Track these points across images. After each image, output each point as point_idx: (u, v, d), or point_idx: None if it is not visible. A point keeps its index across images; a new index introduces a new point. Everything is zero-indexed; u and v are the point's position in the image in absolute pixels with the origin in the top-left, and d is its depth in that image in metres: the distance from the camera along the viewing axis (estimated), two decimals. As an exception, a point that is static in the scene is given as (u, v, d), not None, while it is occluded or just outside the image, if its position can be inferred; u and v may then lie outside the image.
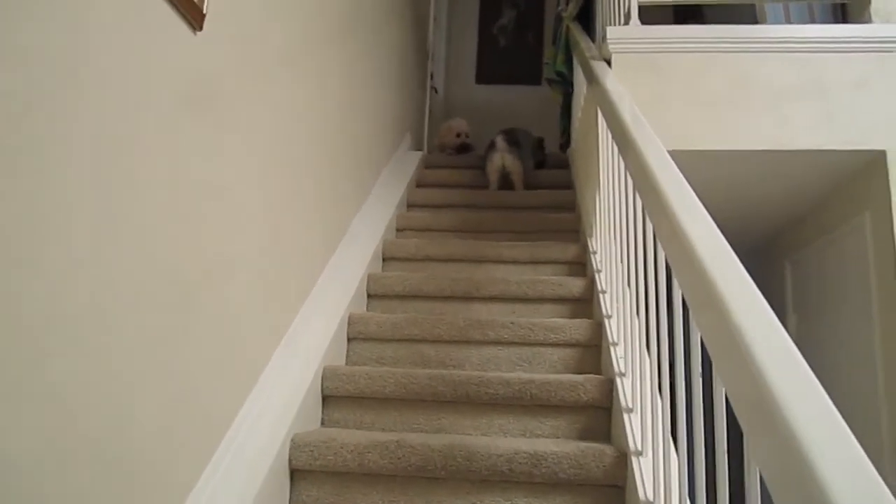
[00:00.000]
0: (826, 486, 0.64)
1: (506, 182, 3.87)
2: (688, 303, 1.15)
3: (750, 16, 3.07)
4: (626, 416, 1.82)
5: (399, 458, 1.79)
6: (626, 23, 2.82)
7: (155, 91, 1.28)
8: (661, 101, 2.68)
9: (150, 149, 1.27)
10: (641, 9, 2.81)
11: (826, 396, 0.78)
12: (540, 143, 4.33)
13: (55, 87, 1.00)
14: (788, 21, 2.92)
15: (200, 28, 1.43)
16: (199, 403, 1.49)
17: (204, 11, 1.43)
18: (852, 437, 0.71)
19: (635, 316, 1.87)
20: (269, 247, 1.89)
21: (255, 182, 1.79)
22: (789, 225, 3.56)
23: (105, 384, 1.14)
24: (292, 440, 1.83)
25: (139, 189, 1.23)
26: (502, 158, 3.81)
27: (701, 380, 1.21)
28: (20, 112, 0.94)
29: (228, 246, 1.62)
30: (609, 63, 2.75)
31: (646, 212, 1.60)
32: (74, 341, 1.06)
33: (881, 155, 2.56)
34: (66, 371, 1.04)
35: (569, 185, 3.96)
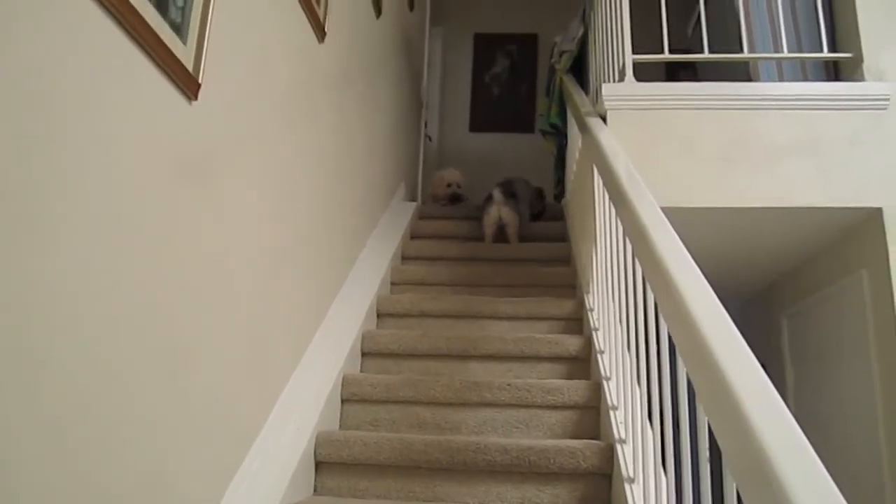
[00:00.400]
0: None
1: (501, 234, 3.86)
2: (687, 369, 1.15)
3: (743, 72, 3.10)
4: (627, 487, 1.77)
5: (395, 532, 1.73)
6: (621, 79, 2.84)
7: (151, 162, 1.25)
8: (657, 157, 2.69)
9: (145, 220, 1.24)
10: (636, 65, 2.83)
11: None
12: (539, 193, 4.33)
13: (48, 160, 0.98)
14: (781, 78, 2.94)
15: (196, 97, 1.42)
16: (183, 479, 1.44)
17: (199, 81, 1.41)
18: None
19: (635, 381, 1.84)
20: (261, 313, 1.86)
21: (248, 248, 1.76)
22: (785, 279, 3.55)
23: (79, 465, 1.10)
24: (284, 512, 1.77)
25: (130, 260, 1.20)
26: (499, 211, 3.80)
27: (708, 451, 1.18)
28: (9, 189, 0.91)
29: (220, 312, 1.58)
30: (604, 119, 2.76)
31: (644, 277, 1.57)
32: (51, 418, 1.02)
33: (877, 212, 2.56)
34: (39, 448, 1.00)
35: (563, 238, 3.94)
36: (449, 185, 4.64)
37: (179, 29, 1.34)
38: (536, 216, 4.23)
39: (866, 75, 2.69)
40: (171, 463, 1.37)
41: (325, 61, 2.44)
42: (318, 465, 2.09)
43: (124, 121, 1.17)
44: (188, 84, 1.38)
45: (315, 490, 2.08)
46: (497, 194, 3.83)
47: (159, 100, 1.29)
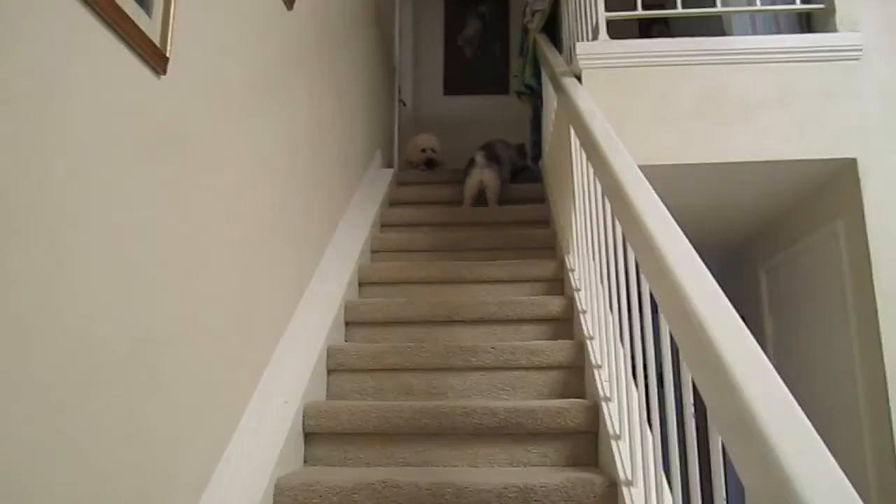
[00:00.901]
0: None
1: (480, 198, 3.86)
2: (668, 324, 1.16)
3: (717, 27, 3.08)
4: (614, 444, 1.79)
5: (386, 499, 1.74)
6: (595, 37, 2.82)
7: (120, 139, 1.23)
8: (632, 115, 2.69)
9: (116, 199, 1.22)
10: (609, 23, 2.81)
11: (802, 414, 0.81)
12: (521, 148, 4.34)
13: (8, 143, 0.95)
14: (755, 32, 2.94)
15: (164, 72, 1.38)
16: (176, 458, 1.44)
17: (167, 55, 1.38)
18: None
19: (619, 340, 1.85)
20: (241, 288, 1.85)
21: (224, 225, 1.74)
22: (763, 232, 3.59)
23: (75, 440, 1.09)
24: (276, 485, 1.78)
25: (102, 242, 1.18)
26: (481, 174, 3.81)
27: (693, 407, 1.20)
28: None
29: (198, 292, 1.57)
30: (579, 78, 2.75)
31: (624, 235, 1.58)
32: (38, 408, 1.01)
33: (852, 163, 2.58)
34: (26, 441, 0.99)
35: (542, 199, 3.95)
36: (423, 151, 4.61)
37: (143, 1, 1.30)
38: (520, 171, 4.24)
39: (839, 26, 2.69)
40: (159, 443, 1.36)
41: (294, 30, 2.39)
42: (307, 436, 2.10)
43: (90, 98, 1.14)
44: (155, 58, 1.34)
45: (305, 461, 2.09)
46: (480, 158, 3.84)
47: (126, 75, 1.26)
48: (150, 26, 1.32)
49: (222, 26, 1.73)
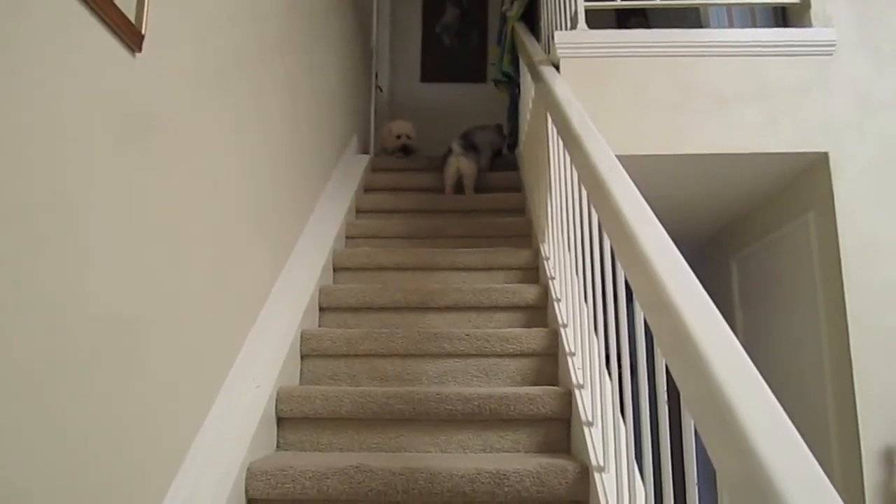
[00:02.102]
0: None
1: (458, 185, 3.88)
2: (643, 310, 1.17)
3: (694, 19, 3.10)
4: (586, 430, 1.81)
5: (359, 484, 1.74)
6: (573, 26, 2.82)
7: (94, 119, 1.21)
8: (609, 105, 2.70)
9: (91, 180, 1.20)
10: (588, 12, 2.81)
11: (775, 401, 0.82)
12: (499, 129, 4.38)
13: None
14: (731, 24, 2.96)
15: (139, 49, 1.36)
16: (148, 439, 1.43)
17: (143, 32, 1.36)
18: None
19: (592, 328, 1.87)
20: (213, 273, 1.83)
21: (198, 205, 1.72)
22: (734, 224, 3.63)
23: (51, 419, 1.08)
24: (248, 469, 1.77)
25: (73, 226, 1.16)
26: (457, 162, 3.83)
27: (666, 396, 1.21)
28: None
29: (169, 277, 1.55)
30: (557, 67, 2.75)
31: (600, 223, 1.59)
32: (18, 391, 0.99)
33: (823, 157, 2.62)
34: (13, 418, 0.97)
35: (518, 188, 3.95)
36: (399, 137, 4.60)
37: (119, -24, 1.28)
38: (498, 153, 4.28)
39: (814, 21, 2.72)
40: (132, 426, 1.35)
41: (271, 10, 2.36)
42: (280, 421, 2.09)
43: (63, 75, 1.11)
44: (131, 36, 1.32)
45: (278, 445, 2.08)
46: (456, 146, 3.87)
47: (100, 52, 1.23)
48: (125, 2, 1.30)
49: (197, 6, 1.70)
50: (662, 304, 1.05)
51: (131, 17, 1.32)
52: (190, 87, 1.65)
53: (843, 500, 0.68)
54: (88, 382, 1.19)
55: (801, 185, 2.87)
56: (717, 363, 0.88)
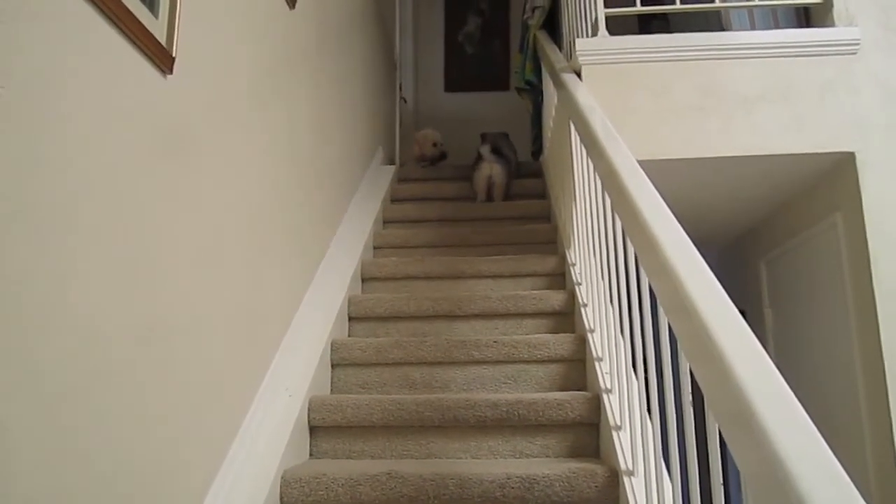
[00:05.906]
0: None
1: (489, 193, 3.89)
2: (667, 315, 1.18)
3: (716, 23, 3.10)
4: (615, 434, 1.82)
5: (391, 490, 1.77)
6: (594, 33, 2.84)
7: (128, 138, 1.25)
8: (632, 111, 2.71)
9: (125, 197, 1.24)
10: (608, 19, 2.83)
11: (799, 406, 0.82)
12: (507, 136, 4.36)
13: (19, 141, 0.98)
14: (753, 27, 2.96)
15: (171, 71, 1.41)
16: (184, 451, 1.47)
17: (173, 55, 1.40)
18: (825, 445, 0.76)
19: (619, 333, 1.88)
20: (248, 284, 1.87)
21: (231, 218, 1.77)
22: (763, 225, 3.61)
23: (84, 431, 1.12)
24: (283, 477, 1.81)
25: (109, 240, 1.21)
26: (490, 168, 3.84)
27: (691, 397, 1.22)
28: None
29: (207, 286, 1.60)
30: (579, 74, 2.77)
31: (624, 230, 1.60)
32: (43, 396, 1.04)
33: (850, 157, 2.60)
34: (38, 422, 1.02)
35: (543, 195, 3.97)
36: (435, 145, 4.66)
37: (151, 2, 1.33)
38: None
39: (836, 21, 2.71)
40: (168, 435, 1.39)
41: (296, 28, 2.41)
42: (313, 430, 2.13)
43: (98, 97, 1.16)
44: (162, 58, 1.37)
45: (311, 454, 2.12)
46: (486, 153, 3.86)
47: (133, 75, 1.28)
48: (156, 26, 1.35)
49: (226, 26, 1.75)
50: (685, 309, 1.06)
51: (163, 41, 1.37)
52: (220, 104, 1.69)
53: (878, 500, 0.69)
54: (121, 390, 1.23)
55: (827, 185, 2.85)
56: (739, 367, 0.89)
